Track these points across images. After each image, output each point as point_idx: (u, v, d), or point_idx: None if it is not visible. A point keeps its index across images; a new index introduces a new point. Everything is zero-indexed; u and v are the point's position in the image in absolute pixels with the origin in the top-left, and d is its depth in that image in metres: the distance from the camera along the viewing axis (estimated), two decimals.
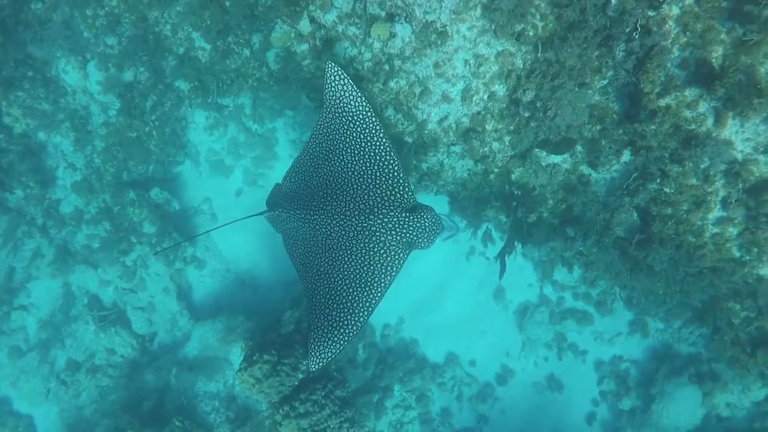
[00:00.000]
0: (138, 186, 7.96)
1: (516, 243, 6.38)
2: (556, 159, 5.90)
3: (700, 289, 5.83)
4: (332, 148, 4.70)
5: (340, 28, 5.90)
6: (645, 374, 8.15)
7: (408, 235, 4.40)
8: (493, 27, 5.30)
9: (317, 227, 4.61)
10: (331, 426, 6.36)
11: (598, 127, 5.58)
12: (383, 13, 5.48)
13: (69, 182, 7.93)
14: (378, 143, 4.53)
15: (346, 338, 4.38)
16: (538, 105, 5.49)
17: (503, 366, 8.51)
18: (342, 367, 7.72)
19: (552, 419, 8.41)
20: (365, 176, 4.51)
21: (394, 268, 4.43)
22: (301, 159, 4.98)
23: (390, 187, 4.46)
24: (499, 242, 7.63)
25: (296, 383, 6.50)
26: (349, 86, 4.63)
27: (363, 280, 4.41)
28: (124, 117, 7.62)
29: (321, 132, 4.81)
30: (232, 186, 8.62)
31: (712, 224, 5.45)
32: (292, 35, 6.33)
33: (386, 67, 5.84)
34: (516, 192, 6.26)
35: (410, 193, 4.50)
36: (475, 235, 7.57)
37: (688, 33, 4.74)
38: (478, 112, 5.81)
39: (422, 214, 4.42)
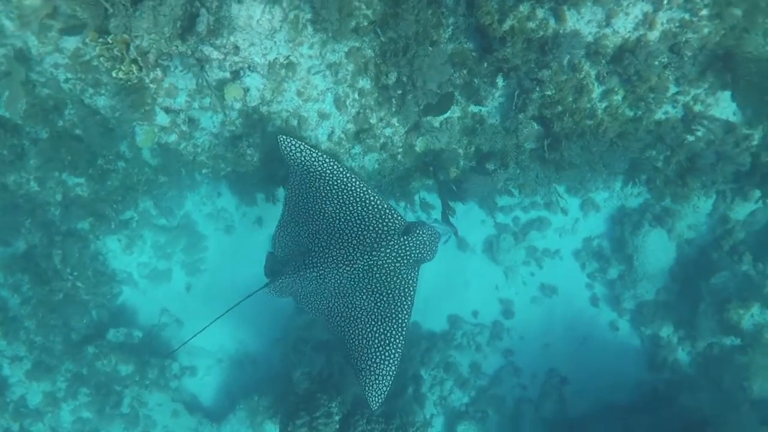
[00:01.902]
0: (92, 338, 7.71)
1: (451, 203, 6.64)
2: (445, 116, 6.12)
3: (619, 157, 6.29)
4: (312, 206, 4.86)
5: (196, 104, 5.83)
6: (615, 240, 8.76)
7: (412, 255, 4.57)
8: (330, 35, 5.38)
9: (325, 280, 4.71)
10: None
11: (465, 71, 5.81)
12: (228, 74, 5.44)
13: (22, 374, 7.58)
14: (352, 187, 4.72)
15: (393, 368, 4.54)
16: (404, 80, 5.66)
17: (500, 300, 8.93)
18: None
19: (563, 319, 8.95)
20: (353, 219, 4.68)
21: (411, 289, 4.61)
22: (284, 225, 5.07)
23: (379, 221, 4.61)
24: (437, 203, 7.90)
25: (337, 427, 6.65)
26: (306, 150, 4.84)
27: (387, 311, 4.57)
28: (40, 285, 7.31)
29: (294, 196, 4.97)
30: (179, 285, 8.49)
31: (599, 101, 5.87)
32: (156, 131, 6.20)
33: (256, 116, 5.84)
34: (427, 159, 6.48)
35: (399, 217, 4.66)
36: (413, 209, 7.81)
37: None
38: (358, 113, 5.93)
39: (417, 231, 4.61)
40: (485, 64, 5.78)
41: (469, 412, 8.55)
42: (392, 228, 4.63)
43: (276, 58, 5.36)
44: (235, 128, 6.12)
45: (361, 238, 4.62)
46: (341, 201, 4.74)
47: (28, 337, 7.50)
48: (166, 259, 8.33)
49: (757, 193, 7.55)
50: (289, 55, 5.40)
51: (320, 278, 4.73)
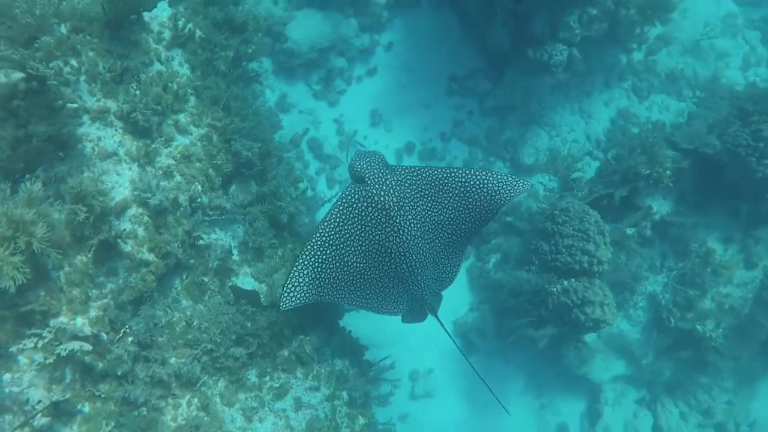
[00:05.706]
0: None
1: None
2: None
3: None
4: (333, 252, 4.76)
5: None
6: None
7: (382, 172, 4.64)
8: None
9: (424, 258, 4.87)
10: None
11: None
12: None
13: None
14: (329, 219, 4.68)
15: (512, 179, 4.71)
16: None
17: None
18: None
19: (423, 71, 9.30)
20: (358, 226, 4.71)
21: (422, 168, 4.80)
22: (367, 304, 4.97)
23: (361, 204, 4.66)
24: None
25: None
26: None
27: (461, 203, 4.81)
28: None
29: (315, 264, 4.76)
30: None
31: None
32: None
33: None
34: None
35: (352, 189, 4.66)
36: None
37: None
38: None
39: (362, 167, 4.63)
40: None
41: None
42: (356, 196, 4.65)
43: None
44: None
45: (375, 211, 4.68)
46: (338, 221, 4.71)
47: None
48: None
49: None
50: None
51: (418, 262, 4.86)
